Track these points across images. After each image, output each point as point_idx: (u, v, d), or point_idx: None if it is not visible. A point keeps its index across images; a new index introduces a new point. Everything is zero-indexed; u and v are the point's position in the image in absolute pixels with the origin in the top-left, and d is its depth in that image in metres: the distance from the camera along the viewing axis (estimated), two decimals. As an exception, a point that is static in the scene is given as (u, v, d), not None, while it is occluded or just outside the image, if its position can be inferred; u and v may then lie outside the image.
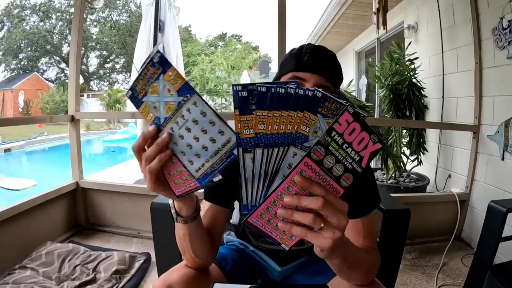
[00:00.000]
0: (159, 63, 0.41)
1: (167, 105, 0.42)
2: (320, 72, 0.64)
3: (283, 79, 0.68)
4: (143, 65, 0.41)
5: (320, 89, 0.39)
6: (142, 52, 2.72)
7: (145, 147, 0.45)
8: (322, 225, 0.40)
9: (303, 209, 0.40)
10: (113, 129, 12.58)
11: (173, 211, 0.57)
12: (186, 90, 0.41)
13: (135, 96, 0.43)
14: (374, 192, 0.72)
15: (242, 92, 0.39)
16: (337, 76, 0.69)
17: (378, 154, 2.59)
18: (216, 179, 0.45)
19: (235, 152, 0.42)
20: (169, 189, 0.48)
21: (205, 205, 0.71)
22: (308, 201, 0.39)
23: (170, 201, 0.56)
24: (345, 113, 0.38)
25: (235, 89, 0.39)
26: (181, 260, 0.71)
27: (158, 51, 0.40)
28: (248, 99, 0.39)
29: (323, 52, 0.67)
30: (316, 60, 0.65)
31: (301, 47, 0.68)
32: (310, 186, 0.39)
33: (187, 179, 0.46)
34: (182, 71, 2.97)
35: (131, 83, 0.45)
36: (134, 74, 2.72)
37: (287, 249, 0.45)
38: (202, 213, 0.72)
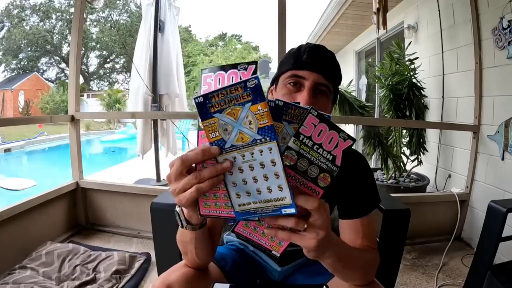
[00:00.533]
0: (252, 91, 0.37)
1: (241, 135, 0.39)
2: (319, 71, 0.64)
3: (282, 78, 0.68)
4: (233, 84, 0.38)
5: (280, 99, 0.41)
6: (142, 52, 2.73)
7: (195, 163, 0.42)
8: (305, 226, 0.41)
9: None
10: (113, 129, 12.58)
11: (182, 218, 0.56)
12: (269, 132, 0.38)
13: (206, 107, 0.38)
14: (373, 192, 0.72)
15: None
16: (336, 75, 0.69)
17: (377, 154, 2.58)
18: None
19: (283, 211, 0.41)
20: (195, 207, 0.45)
21: None
22: (303, 201, 0.40)
23: (178, 208, 0.55)
24: (309, 116, 0.39)
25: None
26: (181, 260, 0.71)
27: (256, 78, 0.37)
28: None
29: (322, 51, 0.67)
30: (314, 59, 0.65)
31: (300, 46, 0.69)
32: (296, 200, 0.40)
33: (221, 206, 0.44)
34: (182, 72, 2.97)
35: (204, 91, 0.41)
36: (134, 74, 2.72)
37: (278, 255, 0.46)
38: None
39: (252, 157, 0.39)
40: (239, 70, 0.35)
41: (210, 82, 0.35)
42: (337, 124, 0.41)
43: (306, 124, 0.40)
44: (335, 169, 0.41)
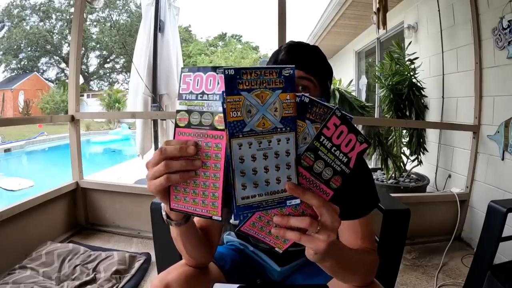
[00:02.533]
0: (286, 78, 0.37)
1: (264, 120, 0.38)
2: (297, 66, 0.63)
3: None
4: (269, 67, 0.37)
5: (307, 94, 0.39)
6: (142, 52, 2.73)
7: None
8: (318, 228, 0.41)
9: (297, 214, 0.41)
10: (113, 129, 12.57)
11: (163, 213, 0.56)
12: (290, 123, 0.39)
13: (236, 82, 0.36)
14: (372, 193, 0.71)
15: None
16: (318, 67, 0.67)
17: (377, 154, 2.57)
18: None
19: (288, 202, 0.40)
20: (167, 197, 0.46)
21: None
22: (307, 196, 0.40)
23: (163, 204, 0.55)
24: (333, 117, 0.39)
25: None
26: (181, 259, 0.71)
27: (292, 68, 0.37)
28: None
29: (300, 46, 0.67)
30: (293, 55, 0.65)
31: (281, 45, 0.70)
32: (301, 195, 0.40)
33: (199, 203, 0.43)
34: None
35: (183, 89, 0.41)
36: (134, 74, 2.72)
37: (280, 252, 0.46)
38: None
39: (269, 145, 0.39)
40: (217, 73, 0.36)
41: (189, 82, 0.36)
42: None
43: (329, 124, 0.39)
44: (348, 171, 0.41)
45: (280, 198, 0.40)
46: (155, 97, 2.72)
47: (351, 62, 5.23)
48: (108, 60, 21.63)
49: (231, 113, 0.37)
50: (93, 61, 21.60)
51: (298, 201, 0.40)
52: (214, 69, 0.41)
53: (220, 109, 0.40)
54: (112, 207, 2.06)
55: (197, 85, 0.42)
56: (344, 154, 0.40)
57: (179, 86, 0.42)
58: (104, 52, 21.18)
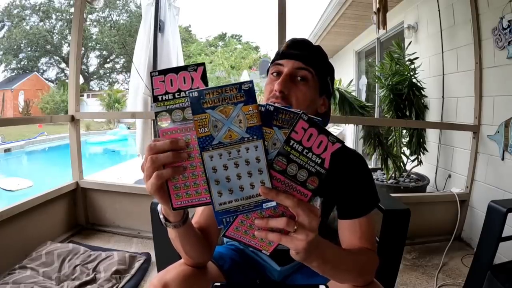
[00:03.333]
0: (245, 93, 0.40)
1: (230, 132, 0.41)
2: (297, 57, 0.66)
3: (269, 72, 0.71)
4: (229, 84, 0.41)
5: (271, 103, 0.42)
6: (141, 52, 2.73)
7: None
8: (295, 227, 0.43)
9: (277, 215, 0.44)
10: (113, 129, 12.58)
11: (161, 216, 0.56)
12: (256, 131, 0.41)
13: (200, 102, 0.40)
14: (372, 193, 0.71)
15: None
16: (318, 61, 0.69)
17: (377, 154, 2.57)
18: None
19: (264, 205, 0.43)
20: (166, 198, 0.45)
21: None
22: (281, 198, 0.41)
23: (159, 207, 0.55)
24: (300, 121, 0.41)
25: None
26: (180, 259, 0.71)
27: (251, 82, 0.40)
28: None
29: (302, 42, 0.70)
30: (294, 48, 0.68)
31: (286, 41, 0.72)
32: (275, 197, 0.41)
33: (192, 194, 0.45)
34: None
35: (156, 92, 0.43)
36: (134, 74, 2.72)
37: (268, 254, 0.48)
38: (199, 212, 0.73)
39: (238, 154, 0.41)
40: (189, 71, 0.38)
41: (161, 84, 0.37)
42: (330, 126, 0.41)
43: (296, 129, 0.41)
44: (323, 171, 0.42)
45: (256, 202, 0.43)
46: (155, 97, 2.72)
47: (351, 62, 5.23)
48: (108, 60, 21.64)
49: (199, 129, 0.41)
50: (93, 61, 21.64)
51: (274, 203, 0.43)
52: (185, 67, 0.44)
53: None
54: (112, 207, 2.06)
55: (171, 85, 0.44)
56: (317, 155, 0.42)
57: (152, 90, 0.44)
58: (104, 52, 21.19)
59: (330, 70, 0.72)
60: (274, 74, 0.67)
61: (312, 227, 0.43)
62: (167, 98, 0.44)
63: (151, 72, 0.44)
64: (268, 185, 0.42)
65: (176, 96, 0.44)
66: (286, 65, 0.66)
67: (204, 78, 0.44)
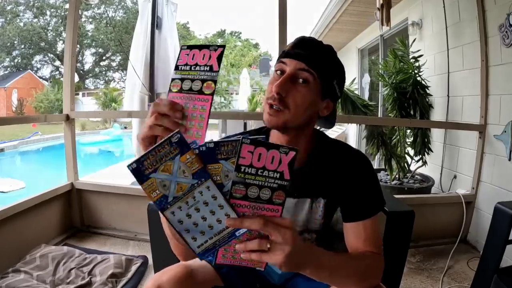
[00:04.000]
0: (177, 144, 0.43)
1: (179, 185, 0.44)
2: (301, 58, 0.64)
3: (275, 68, 0.70)
4: (159, 144, 0.43)
5: (211, 141, 0.45)
6: (138, 49, 2.73)
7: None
8: (268, 245, 0.45)
9: (253, 237, 0.47)
10: (109, 128, 12.56)
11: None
12: (202, 174, 0.44)
13: (141, 171, 0.43)
14: (376, 194, 0.71)
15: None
16: (324, 64, 0.66)
17: (381, 155, 2.57)
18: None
19: (237, 233, 0.47)
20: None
21: None
22: (249, 223, 0.44)
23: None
24: (243, 146, 0.43)
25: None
26: (177, 262, 0.71)
27: (178, 132, 0.43)
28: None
29: (310, 41, 0.68)
30: (300, 47, 0.66)
31: (294, 40, 0.70)
32: (241, 225, 0.44)
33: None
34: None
35: (136, 157, 0.47)
36: (131, 72, 2.72)
37: (262, 269, 0.50)
38: None
39: (195, 200, 0.45)
40: (210, 50, 0.47)
41: (185, 56, 0.47)
42: (274, 143, 0.44)
43: (242, 155, 0.43)
44: (286, 183, 0.44)
45: (229, 233, 0.47)
46: (152, 95, 2.72)
47: (354, 60, 5.23)
48: (104, 57, 21.63)
49: (151, 194, 0.44)
50: (88, 59, 21.60)
51: (244, 229, 0.46)
52: (208, 46, 0.49)
53: (211, 78, 0.49)
54: (108, 209, 2.06)
55: (192, 59, 0.50)
56: (273, 171, 0.44)
57: (177, 59, 0.50)
58: (100, 50, 21.18)
59: (339, 72, 0.70)
60: (278, 72, 0.67)
61: (286, 240, 0.45)
62: (184, 69, 0.49)
63: (181, 46, 0.51)
64: (233, 215, 0.45)
65: (193, 68, 0.49)
66: (289, 65, 0.65)
67: (219, 58, 0.49)
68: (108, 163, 6.57)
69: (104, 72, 22.16)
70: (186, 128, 0.49)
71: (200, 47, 0.50)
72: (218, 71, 0.49)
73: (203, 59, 0.49)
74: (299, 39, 0.68)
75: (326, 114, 0.71)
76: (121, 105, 14.09)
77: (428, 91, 2.47)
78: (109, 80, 22.01)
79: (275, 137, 0.71)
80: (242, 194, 0.44)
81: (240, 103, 9.54)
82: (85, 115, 7.91)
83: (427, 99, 2.50)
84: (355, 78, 3.21)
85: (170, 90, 0.50)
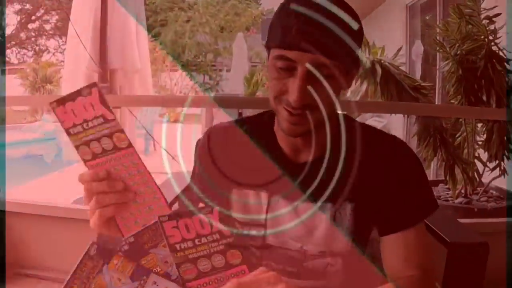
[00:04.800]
0: (99, 255, 0.54)
1: None
2: (313, 48, 0.63)
3: (271, 55, 0.69)
4: (78, 261, 0.54)
5: (129, 236, 0.56)
6: (84, 7, 2.73)
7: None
8: None
9: None
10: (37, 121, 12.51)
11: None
12: (140, 272, 0.55)
13: None
14: (422, 193, 0.74)
15: None
16: (344, 45, 0.64)
17: (439, 160, 2.56)
18: None
19: None
20: (115, 230, 0.59)
21: None
22: None
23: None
24: (164, 224, 0.51)
25: None
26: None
27: (94, 243, 0.54)
28: None
29: (316, 19, 0.64)
30: (306, 33, 0.64)
31: (288, 8, 0.67)
32: None
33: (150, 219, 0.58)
34: (145, 36, 2.97)
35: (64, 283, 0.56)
36: (73, 39, 2.72)
37: None
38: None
39: None
40: (84, 96, 0.55)
41: (66, 115, 0.58)
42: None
43: (169, 233, 0.52)
44: (231, 239, 0.53)
45: None
46: (105, 74, 2.73)
47: (399, 22, 5.24)
48: (33, 17, 21.69)
49: None
50: (11, 20, 21.67)
51: None
52: (79, 92, 0.54)
53: (114, 128, 0.55)
54: (41, 240, 2.07)
55: (75, 116, 0.54)
56: (210, 234, 0.52)
57: (60, 122, 0.55)
58: (27, 6, 21.24)
59: (360, 34, 0.69)
60: (282, 68, 0.67)
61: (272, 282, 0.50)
62: (78, 131, 0.55)
63: (50, 103, 0.54)
64: None
65: (85, 127, 0.54)
66: (299, 62, 0.64)
67: (103, 102, 0.54)
68: (37, 173, 6.55)
69: (33, 39, 22.21)
70: (135, 192, 0.57)
71: (72, 96, 0.54)
72: (115, 118, 0.54)
73: (86, 111, 0.54)
74: (300, 15, 0.64)
75: (350, 86, 0.75)
76: (59, 87, 14.10)
77: (508, 67, 2.47)
78: (40, 51, 22.06)
79: (285, 135, 0.74)
80: (195, 273, 0.52)
81: (233, 84, 9.55)
82: (4, 101, 7.91)
83: (507, 79, 2.51)
84: (401, 47, 3.20)
85: (84, 160, 0.56)
